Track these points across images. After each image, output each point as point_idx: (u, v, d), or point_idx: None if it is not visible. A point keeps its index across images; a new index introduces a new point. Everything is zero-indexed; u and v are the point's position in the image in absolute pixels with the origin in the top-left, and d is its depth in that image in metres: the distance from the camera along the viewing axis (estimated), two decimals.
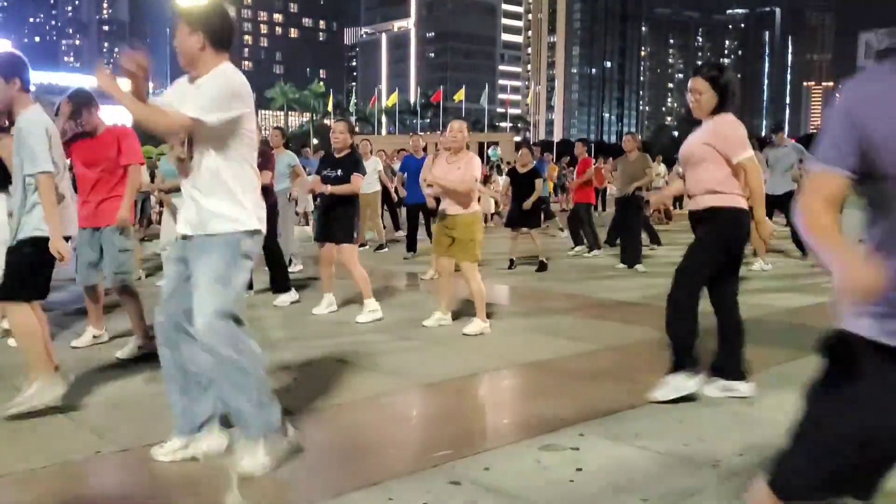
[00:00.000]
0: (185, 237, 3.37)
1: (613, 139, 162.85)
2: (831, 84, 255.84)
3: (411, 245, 11.23)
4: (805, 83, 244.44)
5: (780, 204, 9.52)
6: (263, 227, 3.38)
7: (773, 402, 4.16)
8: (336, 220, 6.73)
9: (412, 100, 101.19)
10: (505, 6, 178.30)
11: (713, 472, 3.31)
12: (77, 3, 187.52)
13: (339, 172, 6.72)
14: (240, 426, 3.29)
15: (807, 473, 1.78)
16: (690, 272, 4.30)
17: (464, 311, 6.66)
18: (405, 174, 12.18)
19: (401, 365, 5.17)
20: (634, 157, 10.36)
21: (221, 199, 3.27)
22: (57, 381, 4.02)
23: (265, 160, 7.58)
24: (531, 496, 3.07)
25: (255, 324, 6.39)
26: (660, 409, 4.16)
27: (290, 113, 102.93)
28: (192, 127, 3.17)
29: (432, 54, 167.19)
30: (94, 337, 5.59)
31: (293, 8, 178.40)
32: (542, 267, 9.81)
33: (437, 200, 6.62)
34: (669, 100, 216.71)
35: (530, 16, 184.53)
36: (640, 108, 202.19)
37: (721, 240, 4.30)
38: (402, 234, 13.28)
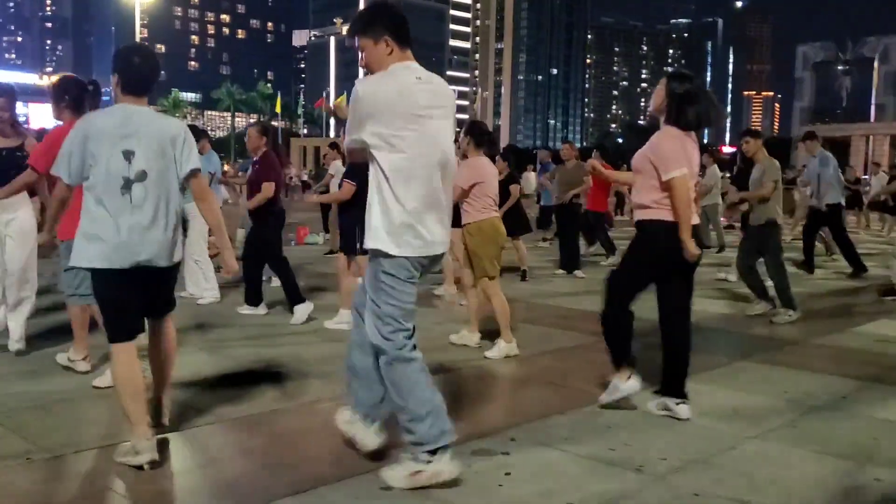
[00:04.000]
0: None
1: (559, 145, 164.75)
2: (770, 94, 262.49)
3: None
4: (745, 92, 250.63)
5: (825, 218, 10.22)
6: None
7: (699, 407, 4.30)
8: (339, 229, 6.80)
9: None
10: (453, 12, 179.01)
11: (637, 477, 3.42)
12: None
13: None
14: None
15: None
16: (617, 286, 4.37)
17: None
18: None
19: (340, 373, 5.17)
20: (572, 164, 10.59)
21: None
22: None
23: (268, 167, 7.17)
24: (460, 501, 3.13)
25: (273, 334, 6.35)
26: (589, 415, 4.27)
27: (237, 114, 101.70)
28: None
29: None
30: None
31: (241, 9, 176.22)
32: (524, 276, 9.60)
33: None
34: (614, 107, 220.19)
35: (478, 22, 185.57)
36: (585, 115, 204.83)
37: (645, 254, 4.30)
38: None
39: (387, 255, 3.20)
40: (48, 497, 3.13)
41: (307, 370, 5.17)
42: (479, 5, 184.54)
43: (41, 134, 10.20)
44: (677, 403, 4.23)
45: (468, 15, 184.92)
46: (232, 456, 3.66)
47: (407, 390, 3.24)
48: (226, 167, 11.46)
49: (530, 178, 19.08)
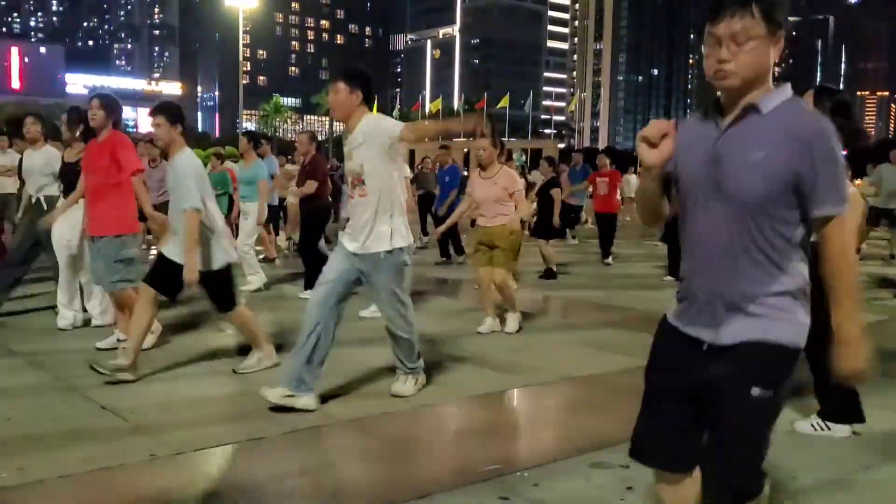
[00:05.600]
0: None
1: None
2: (886, 93, 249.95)
3: (444, 252, 11.47)
4: (859, 92, 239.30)
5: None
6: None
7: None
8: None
9: (455, 106, 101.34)
10: (551, 13, 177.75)
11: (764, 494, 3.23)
12: (129, 8, 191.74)
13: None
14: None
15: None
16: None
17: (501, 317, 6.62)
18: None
19: (443, 376, 5.14)
20: None
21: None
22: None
23: (315, 169, 7.68)
24: None
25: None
26: None
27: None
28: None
29: (476, 61, 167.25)
30: (119, 340, 5.48)
31: (340, 14, 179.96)
32: (549, 274, 9.81)
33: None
34: None
35: (577, 22, 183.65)
36: (688, 116, 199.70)
37: None
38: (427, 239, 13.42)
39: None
40: (171, 494, 3.20)
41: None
42: (577, 6, 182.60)
43: (150, 138, 10.68)
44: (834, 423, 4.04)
45: (566, 16, 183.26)
46: (347, 458, 3.66)
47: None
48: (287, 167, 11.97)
49: (631, 181, 18.68)
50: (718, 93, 2.07)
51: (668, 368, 2.21)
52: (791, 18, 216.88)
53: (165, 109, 4.95)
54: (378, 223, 4.25)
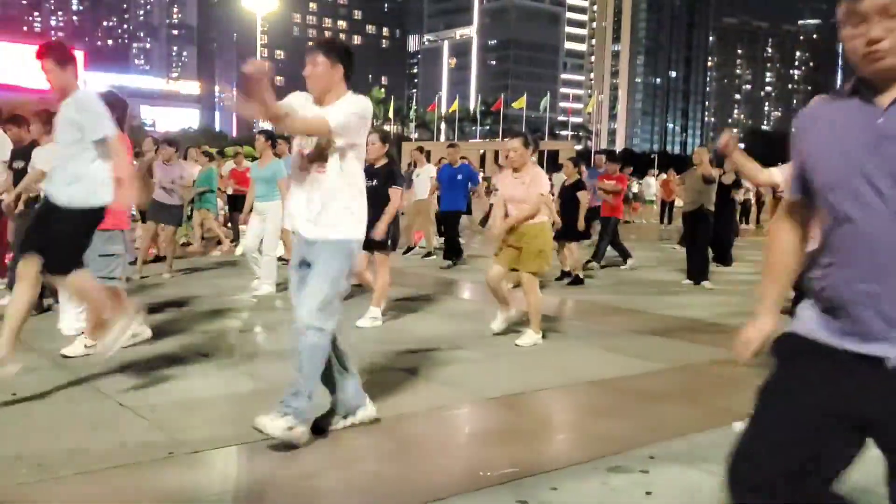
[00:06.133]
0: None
1: (677, 150, 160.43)
2: None
3: (451, 252, 11.27)
4: None
5: None
6: None
7: None
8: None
9: (472, 107, 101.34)
10: (569, 14, 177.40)
11: None
12: (148, 7, 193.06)
13: (375, 182, 6.67)
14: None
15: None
16: None
17: (519, 322, 6.59)
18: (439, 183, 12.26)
19: (459, 377, 5.12)
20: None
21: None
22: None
23: None
24: None
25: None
26: (731, 435, 4.03)
27: None
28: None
29: (494, 62, 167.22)
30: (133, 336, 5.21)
31: (357, 15, 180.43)
32: (576, 281, 9.68)
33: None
34: (736, 111, 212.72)
35: (594, 24, 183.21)
36: (706, 118, 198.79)
37: None
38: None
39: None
40: (190, 492, 3.20)
41: (420, 374, 5.15)
42: (595, 7, 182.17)
43: (169, 138, 10.69)
44: None
45: (584, 17, 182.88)
46: (362, 460, 3.65)
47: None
48: None
49: (651, 183, 18.57)
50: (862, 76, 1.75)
51: (814, 391, 1.81)
52: (810, 21, 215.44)
53: (50, 51, 4.43)
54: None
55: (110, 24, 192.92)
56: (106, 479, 3.26)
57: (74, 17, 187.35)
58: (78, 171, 4.36)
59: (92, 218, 4.43)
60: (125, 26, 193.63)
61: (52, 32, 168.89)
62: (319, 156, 3.75)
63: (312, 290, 3.68)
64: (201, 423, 3.97)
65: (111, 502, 3.09)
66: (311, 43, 3.88)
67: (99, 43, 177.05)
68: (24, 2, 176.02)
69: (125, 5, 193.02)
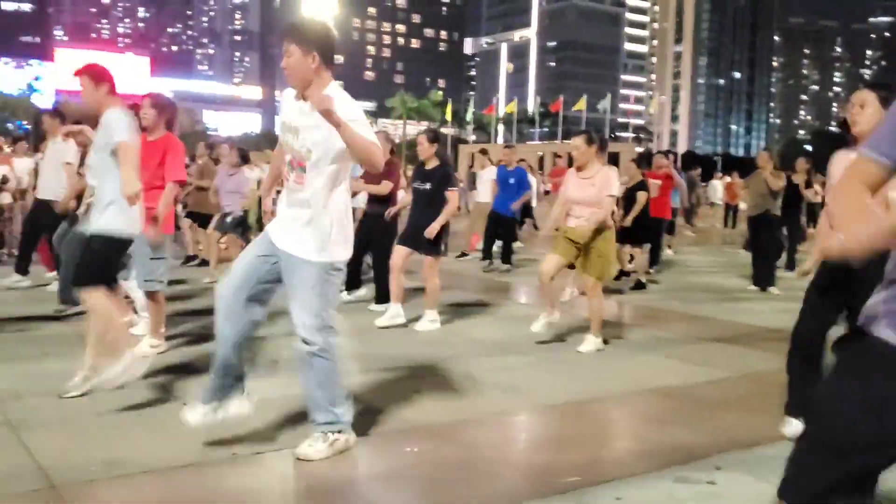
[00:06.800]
0: None
1: (741, 152, 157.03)
2: None
3: (506, 257, 11.12)
4: None
5: None
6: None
7: None
8: (423, 230, 6.56)
9: (530, 109, 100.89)
10: (629, 15, 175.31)
11: None
12: (212, 14, 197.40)
13: (429, 186, 6.65)
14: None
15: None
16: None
17: (580, 327, 6.48)
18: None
19: (519, 384, 5.06)
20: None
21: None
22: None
23: (390, 169, 7.53)
24: None
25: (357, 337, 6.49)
26: None
27: (408, 122, 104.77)
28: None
29: (552, 63, 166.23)
30: (151, 347, 5.36)
31: (416, 19, 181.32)
32: (638, 286, 9.47)
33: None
34: (802, 112, 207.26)
35: (656, 25, 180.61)
36: (770, 120, 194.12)
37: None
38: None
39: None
40: (251, 494, 3.23)
41: (478, 380, 5.10)
42: (656, 8, 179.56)
43: (238, 146, 10.75)
44: None
45: (645, 18, 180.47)
46: (422, 465, 3.63)
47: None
48: None
49: (717, 187, 18.20)
50: None
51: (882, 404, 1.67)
52: (883, 19, 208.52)
53: (86, 70, 4.53)
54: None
55: (175, 30, 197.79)
56: (171, 479, 3.31)
57: (140, 24, 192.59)
58: (108, 197, 4.39)
59: (120, 245, 4.48)
60: (189, 32, 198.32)
61: (120, 39, 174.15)
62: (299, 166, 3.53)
63: (301, 303, 3.50)
64: (263, 426, 4.01)
65: (175, 501, 3.14)
66: (282, 28, 3.55)
67: (164, 49, 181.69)
68: (93, 10, 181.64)
69: (189, 12, 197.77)
